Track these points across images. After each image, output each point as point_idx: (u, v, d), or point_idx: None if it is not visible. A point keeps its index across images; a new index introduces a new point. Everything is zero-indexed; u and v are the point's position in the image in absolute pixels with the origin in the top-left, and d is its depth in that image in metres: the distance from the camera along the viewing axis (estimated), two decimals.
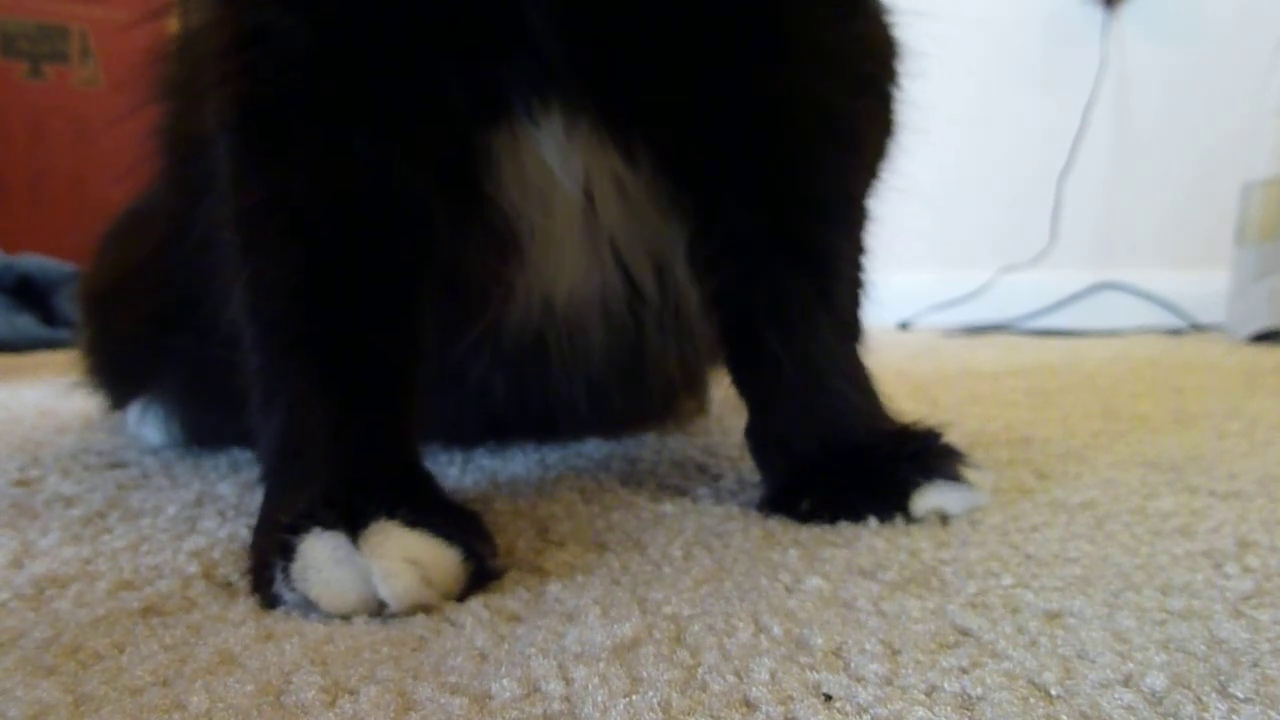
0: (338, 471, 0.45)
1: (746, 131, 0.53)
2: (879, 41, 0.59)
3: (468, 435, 0.73)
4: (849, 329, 0.57)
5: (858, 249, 0.59)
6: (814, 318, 0.54)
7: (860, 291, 0.59)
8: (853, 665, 0.34)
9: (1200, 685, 0.32)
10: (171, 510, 0.55)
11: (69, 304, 1.71)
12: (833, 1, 0.54)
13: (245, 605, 0.41)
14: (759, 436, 0.57)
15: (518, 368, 0.62)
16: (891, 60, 0.59)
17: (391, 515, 0.41)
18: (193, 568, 0.45)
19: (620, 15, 0.48)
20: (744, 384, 0.57)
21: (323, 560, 0.40)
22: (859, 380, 0.56)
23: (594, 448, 0.73)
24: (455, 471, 0.66)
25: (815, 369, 0.54)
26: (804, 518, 0.52)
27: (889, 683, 0.32)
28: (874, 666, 0.33)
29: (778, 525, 0.51)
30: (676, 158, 0.53)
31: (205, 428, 0.72)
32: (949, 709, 0.30)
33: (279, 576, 0.40)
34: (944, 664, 0.34)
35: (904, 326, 2.14)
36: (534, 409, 0.67)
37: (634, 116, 0.51)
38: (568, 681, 0.32)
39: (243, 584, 0.44)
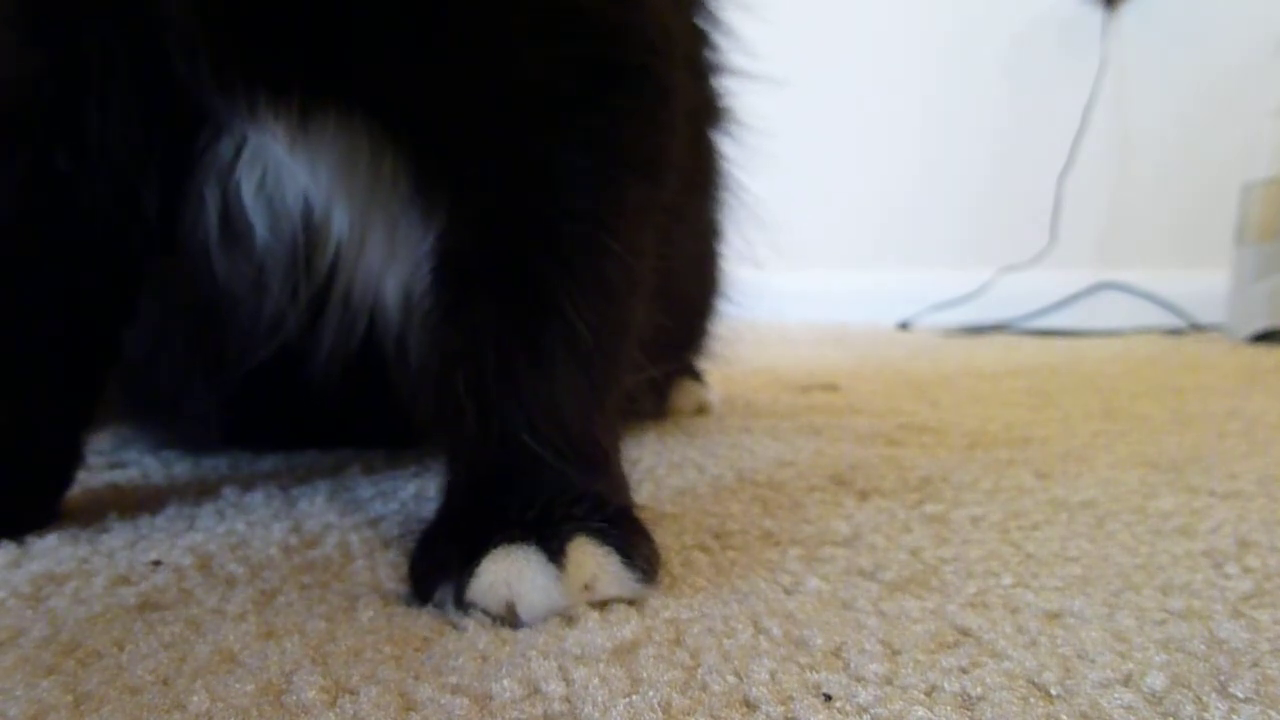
0: None
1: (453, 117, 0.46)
2: (643, 26, 0.48)
3: (309, 444, 0.73)
4: (573, 376, 0.45)
5: (604, 280, 0.46)
6: (513, 360, 0.44)
7: (609, 333, 0.47)
8: (853, 665, 0.34)
9: (1200, 685, 0.32)
10: (170, 509, 0.55)
11: None
12: None
13: (244, 598, 0.41)
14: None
15: (352, 378, 0.60)
16: (656, 47, 0.49)
17: None
18: (188, 560, 0.46)
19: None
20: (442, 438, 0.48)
21: None
22: (573, 447, 0.44)
23: None
24: None
25: (503, 424, 0.44)
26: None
27: (889, 683, 0.32)
28: (874, 666, 0.33)
29: (777, 525, 0.51)
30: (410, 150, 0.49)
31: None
32: (949, 709, 0.30)
33: None
34: (944, 664, 0.34)
35: (904, 326, 2.14)
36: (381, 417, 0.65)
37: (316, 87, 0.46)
38: (568, 682, 0.32)
39: (241, 574, 0.44)
